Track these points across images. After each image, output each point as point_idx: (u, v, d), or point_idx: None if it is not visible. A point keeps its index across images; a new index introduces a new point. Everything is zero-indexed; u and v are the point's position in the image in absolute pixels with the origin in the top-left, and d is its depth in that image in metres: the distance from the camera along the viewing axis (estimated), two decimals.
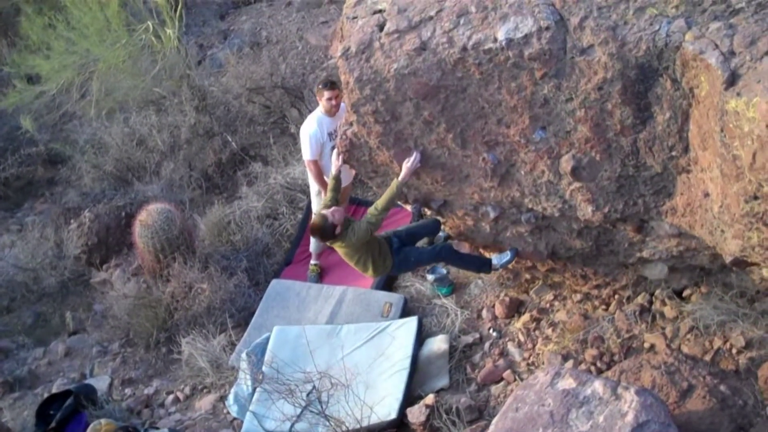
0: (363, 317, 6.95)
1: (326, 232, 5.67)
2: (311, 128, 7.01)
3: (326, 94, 6.90)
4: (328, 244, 6.12)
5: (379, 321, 6.80)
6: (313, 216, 5.77)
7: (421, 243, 6.43)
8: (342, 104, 6.81)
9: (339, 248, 5.87)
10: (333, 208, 5.69)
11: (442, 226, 6.29)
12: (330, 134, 6.95)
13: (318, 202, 7.23)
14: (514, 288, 6.72)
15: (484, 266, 6.07)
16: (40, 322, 8.71)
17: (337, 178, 5.98)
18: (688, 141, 4.65)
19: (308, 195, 8.04)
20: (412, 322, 6.60)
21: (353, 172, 6.20)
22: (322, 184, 7.19)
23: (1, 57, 11.79)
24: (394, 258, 5.92)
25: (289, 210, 8.59)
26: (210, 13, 13.35)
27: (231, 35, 12.59)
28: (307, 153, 7.12)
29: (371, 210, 5.59)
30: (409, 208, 7.24)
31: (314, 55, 11.33)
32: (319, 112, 7.03)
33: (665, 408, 4.63)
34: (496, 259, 5.98)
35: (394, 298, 7.06)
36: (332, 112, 6.92)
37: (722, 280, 5.72)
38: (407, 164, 5.31)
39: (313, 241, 7.67)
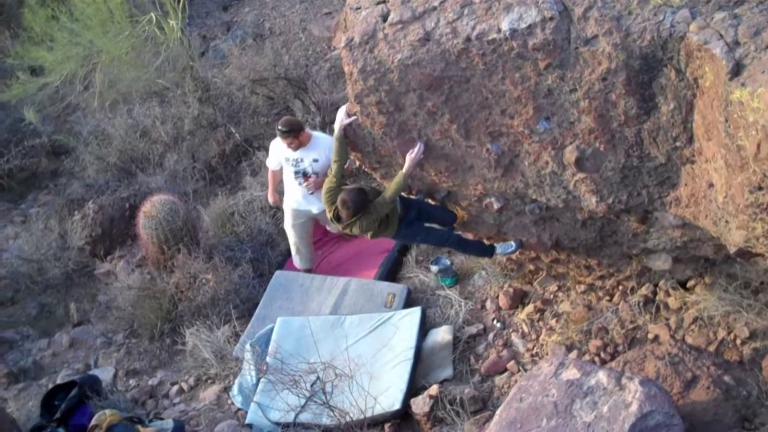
0: (366, 308, 6.95)
1: (359, 207, 5.51)
2: (277, 143, 7.01)
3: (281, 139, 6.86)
4: (340, 227, 5.84)
5: (383, 312, 6.80)
6: (350, 190, 5.55)
7: None
8: (315, 135, 6.83)
9: (347, 230, 5.81)
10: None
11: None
12: (287, 159, 6.92)
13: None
14: (518, 279, 6.72)
15: (487, 252, 6.10)
16: (45, 314, 8.75)
17: (341, 140, 5.46)
18: (692, 131, 4.64)
19: None
20: (415, 312, 6.60)
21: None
22: (272, 196, 7.41)
23: (4, 49, 11.78)
24: (401, 227, 5.84)
25: None
26: (213, 4, 13.32)
27: (234, 26, 12.56)
28: (268, 160, 7.25)
29: (379, 200, 5.55)
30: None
31: (317, 46, 11.30)
32: None
33: (669, 398, 4.64)
34: (500, 248, 5.98)
35: (398, 288, 7.06)
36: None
37: (726, 271, 5.72)
38: (411, 155, 5.28)
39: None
